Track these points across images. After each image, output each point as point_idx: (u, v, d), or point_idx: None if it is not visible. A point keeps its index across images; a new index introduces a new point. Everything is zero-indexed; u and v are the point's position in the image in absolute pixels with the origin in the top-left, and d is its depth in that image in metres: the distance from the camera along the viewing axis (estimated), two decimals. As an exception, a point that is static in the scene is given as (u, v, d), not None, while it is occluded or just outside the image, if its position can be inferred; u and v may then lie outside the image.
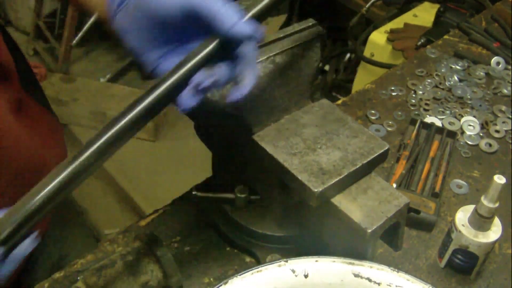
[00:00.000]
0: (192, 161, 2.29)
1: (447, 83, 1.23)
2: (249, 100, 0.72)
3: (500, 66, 1.29)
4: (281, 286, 0.65)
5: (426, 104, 1.16)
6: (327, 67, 2.64)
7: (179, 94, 0.56)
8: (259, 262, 0.79)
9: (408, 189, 0.94)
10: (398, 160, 1.00)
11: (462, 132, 1.10)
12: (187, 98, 0.56)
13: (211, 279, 0.79)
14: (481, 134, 1.10)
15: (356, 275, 0.65)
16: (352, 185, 0.68)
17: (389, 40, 1.97)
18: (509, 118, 1.14)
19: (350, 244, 0.68)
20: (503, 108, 1.17)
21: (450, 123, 1.11)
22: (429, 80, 1.23)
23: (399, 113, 1.13)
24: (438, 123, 1.11)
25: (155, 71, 0.60)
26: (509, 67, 1.29)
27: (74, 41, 2.83)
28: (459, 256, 0.81)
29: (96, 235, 1.82)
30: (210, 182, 0.89)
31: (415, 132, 1.06)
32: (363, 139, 0.71)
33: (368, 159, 0.68)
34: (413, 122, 1.09)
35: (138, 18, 0.58)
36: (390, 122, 1.10)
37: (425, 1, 2.15)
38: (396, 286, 0.64)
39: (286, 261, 0.66)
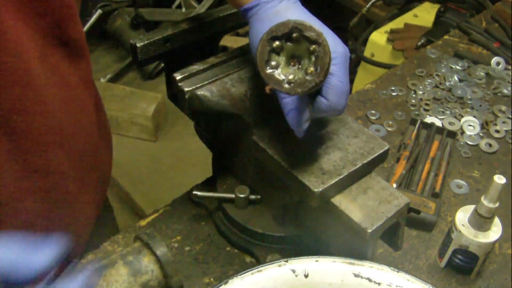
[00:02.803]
0: (192, 161, 2.29)
1: (447, 83, 1.23)
2: (249, 100, 0.72)
3: (500, 66, 1.29)
4: (281, 286, 0.65)
5: (426, 104, 1.16)
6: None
7: None
8: (259, 262, 0.79)
9: (408, 189, 0.94)
10: (398, 160, 1.00)
11: (462, 132, 1.10)
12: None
13: (211, 279, 0.79)
14: (481, 134, 1.10)
15: (356, 275, 0.65)
16: (352, 185, 0.68)
17: (389, 40, 1.98)
18: (509, 118, 1.14)
19: (350, 244, 0.68)
20: (503, 108, 1.17)
21: (450, 123, 1.11)
22: (429, 80, 1.23)
23: (399, 113, 1.13)
24: (438, 123, 1.11)
25: None
26: (509, 67, 1.29)
27: (75, 41, 2.83)
28: (459, 256, 0.81)
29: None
30: (210, 182, 0.89)
31: (415, 132, 1.06)
32: (363, 139, 0.71)
33: (368, 159, 0.68)
34: (413, 122, 1.09)
35: None
36: (390, 122, 1.10)
37: (425, 1, 2.15)
38: (396, 286, 0.64)
39: (286, 261, 0.66)
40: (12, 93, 0.61)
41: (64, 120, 0.69)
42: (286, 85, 0.55)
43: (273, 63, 0.55)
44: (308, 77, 0.54)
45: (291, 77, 0.55)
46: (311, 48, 0.54)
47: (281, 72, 0.55)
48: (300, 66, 0.55)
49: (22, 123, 0.63)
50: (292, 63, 0.56)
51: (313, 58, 0.54)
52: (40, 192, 0.69)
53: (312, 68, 0.54)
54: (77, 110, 0.73)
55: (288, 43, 0.55)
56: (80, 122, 0.74)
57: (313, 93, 0.61)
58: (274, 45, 0.55)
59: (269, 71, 0.55)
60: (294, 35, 0.54)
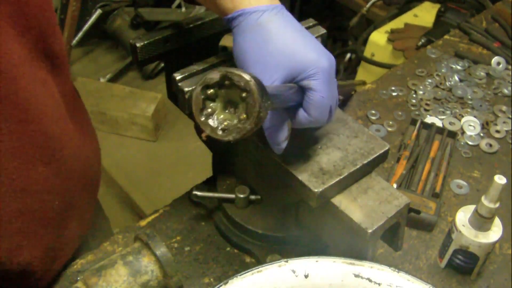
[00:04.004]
0: (192, 161, 2.28)
1: (447, 83, 1.23)
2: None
3: (500, 66, 1.29)
4: (281, 287, 0.65)
5: (427, 104, 1.16)
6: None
7: None
8: (259, 262, 0.79)
9: (408, 189, 0.94)
10: (398, 160, 1.00)
11: (463, 132, 1.10)
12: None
13: (211, 279, 0.79)
14: (482, 134, 1.10)
15: (356, 276, 0.65)
16: (352, 185, 0.68)
17: (389, 40, 1.98)
18: (509, 118, 1.14)
19: (351, 244, 0.68)
20: (504, 108, 1.16)
21: (450, 123, 1.11)
22: (429, 80, 1.23)
23: (400, 113, 1.13)
24: (439, 123, 1.11)
25: None
26: (510, 67, 1.29)
27: (74, 41, 2.83)
28: (460, 257, 0.81)
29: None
30: (210, 182, 0.89)
31: (415, 132, 1.06)
32: (363, 139, 0.71)
33: (369, 159, 0.68)
34: (413, 122, 1.09)
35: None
36: (390, 122, 1.10)
37: (426, 1, 2.15)
38: (396, 286, 0.64)
39: (287, 261, 0.66)
40: None
41: (51, 137, 0.67)
42: (220, 132, 0.55)
43: (209, 110, 0.56)
44: (239, 125, 0.54)
45: (226, 123, 0.55)
46: (243, 95, 0.54)
47: (216, 117, 0.55)
48: (236, 110, 0.55)
49: (8, 142, 0.61)
50: (228, 108, 0.56)
51: (245, 105, 0.54)
52: (28, 213, 0.67)
53: (244, 115, 0.54)
54: (63, 124, 0.71)
55: (222, 90, 0.55)
56: (67, 136, 0.72)
57: (295, 106, 0.61)
58: (209, 92, 0.55)
59: (203, 118, 0.55)
60: (226, 82, 0.54)
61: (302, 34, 0.63)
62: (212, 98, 0.55)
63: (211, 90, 0.55)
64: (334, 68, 0.62)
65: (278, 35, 0.62)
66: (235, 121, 0.55)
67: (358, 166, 0.67)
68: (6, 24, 0.59)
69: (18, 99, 0.61)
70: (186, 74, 0.70)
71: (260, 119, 0.54)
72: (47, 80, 0.68)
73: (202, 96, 0.55)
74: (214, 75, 0.54)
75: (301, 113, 0.61)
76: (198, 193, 0.82)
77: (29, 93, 0.63)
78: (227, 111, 0.56)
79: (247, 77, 0.53)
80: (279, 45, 0.61)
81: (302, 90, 0.61)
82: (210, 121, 0.55)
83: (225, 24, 0.67)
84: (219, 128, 0.55)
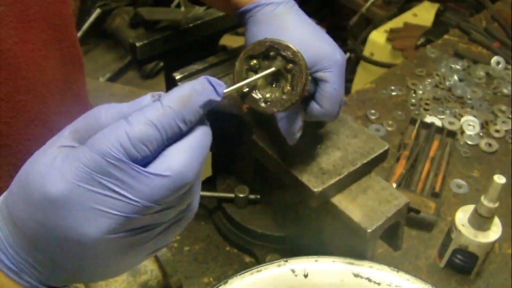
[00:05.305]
0: (191, 161, 2.28)
1: (447, 83, 1.22)
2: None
3: (500, 65, 1.29)
4: (280, 286, 0.65)
5: (426, 103, 1.16)
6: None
7: None
8: (258, 262, 0.79)
9: (408, 189, 0.94)
10: (398, 159, 1.00)
11: (462, 132, 1.10)
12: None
13: (211, 279, 0.79)
14: (481, 134, 1.10)
15: (356, 275, 0.65)
16: (352, 185, 0.68)
17: (388, 39, 1.98)
18: (509, 118, 1.14)
19: (350, 244, 0.68)
20: (503, 107, 1.16)
21: (450, 123, 1.11)
22: (429, 80, 1.23)
23: (399, 112, 1.13)
24: (438, 122, 1.11)
25: None
26: (509, 66, 1.29)
27: (73, 40, 2.83)
28: (459, 256, 0.81)
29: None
30: (209, 182, 0.89)
31: (415, 131, 1.06)
32: (363, 139, 0.71)
33: (368, 159, 0.68)
34: (413, 121, 1.09)
35: None
36: (390, 122, 1.10)
37: (425, 1, 2.15)
38: (396, 286, 0.64)
39: (286, 261, 0.66)
40: (27, 133, 0.58)
41: None
42: (263, 104, 0.54)
43: None
44: (284, 96, 0.54)
45: (268, 95, 0.55)
46: (288, 67, 0.53)
47: (258, 90, 0.55)
48: (278, 84, 0.55)
49: None
50: (270, 81, 0.55)
51: (290, 77, 0.54)
52: None
53: (288, 87, 0.54)
54: None
55: (266, 61, 0.55)
56: None
57: (307, 98, 0.61)
58: (252, 63, 0.54)
59: (246, 89, 0.55)
60: (271, 53, 0.54)
61: (316, 28, 0.64)
62: (254, 70, 0.55)
63: (254, 61, 0.54)
64: (345, 63, 0.63)
65: (294, 26, 0.62)
66: (278, 94, 0.54)
67: (357, 166, 0.67)
68: (38, 40, 0.57)
69: (51, 123, 0.60)
70: (186, 74, 0.70)
71: (305, 91, 0.53)
72: (80, 92, 0.66)
73: (245, 67, 0.54)
74: (259, 46, 0.53)
75: (314, 105, 0.61)
76: (198, 193, 0.82)
77: (55, 113, 0.61)
78: (268, 84, 0.55)
79: (294, 48, 0.52)
80: (295, 35, 0.61)
81: (314, 82, 0.61)
82: (253, 93, 0.54)
83: (237, 18, 0.67)
84: (262, 100, 0.55)
